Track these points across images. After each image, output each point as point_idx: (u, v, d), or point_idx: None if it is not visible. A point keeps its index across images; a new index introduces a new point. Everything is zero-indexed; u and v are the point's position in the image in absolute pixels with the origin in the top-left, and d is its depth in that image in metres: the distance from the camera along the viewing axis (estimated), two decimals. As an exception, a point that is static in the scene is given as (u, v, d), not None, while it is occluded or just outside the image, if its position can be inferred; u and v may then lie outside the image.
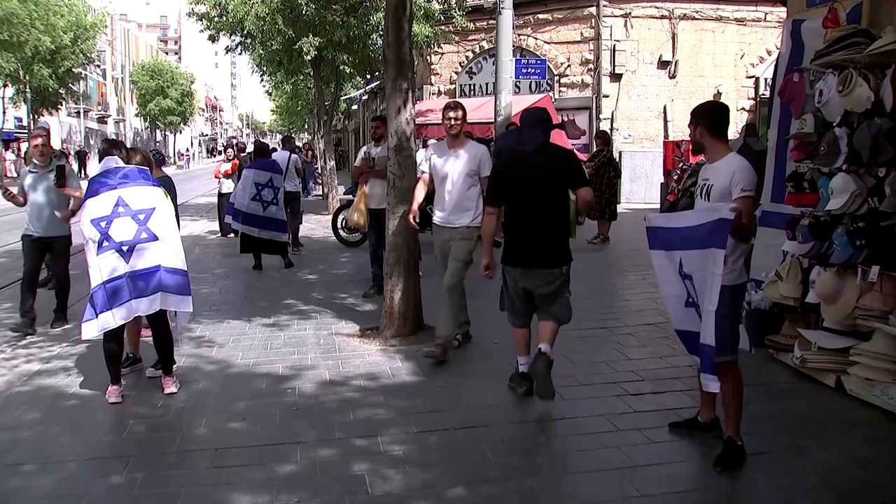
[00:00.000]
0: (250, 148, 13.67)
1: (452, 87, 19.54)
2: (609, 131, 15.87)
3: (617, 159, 14.13)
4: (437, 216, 5.29)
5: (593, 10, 17.43)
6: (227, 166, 12.37)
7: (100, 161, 4.60)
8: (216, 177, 12.79)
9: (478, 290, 8.05)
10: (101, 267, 4.20)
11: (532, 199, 4.15)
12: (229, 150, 13.28)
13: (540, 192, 4.15)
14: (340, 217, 10.91)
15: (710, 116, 3.53)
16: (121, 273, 4.21)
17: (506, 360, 5.14)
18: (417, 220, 5.38)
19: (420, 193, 5.36)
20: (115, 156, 4.55)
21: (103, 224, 4.23)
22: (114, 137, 39.58)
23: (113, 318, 4.18)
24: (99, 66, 47.50)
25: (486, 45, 18.40)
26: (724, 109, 3.61)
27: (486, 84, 17.99)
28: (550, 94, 17.51)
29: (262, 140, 13.47)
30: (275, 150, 12.07)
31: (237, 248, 9.29)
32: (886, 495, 3.15)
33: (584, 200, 4.20)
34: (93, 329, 4.18)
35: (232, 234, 12.11)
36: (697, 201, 3.68)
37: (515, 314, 4.42)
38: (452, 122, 5.13)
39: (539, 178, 4.13)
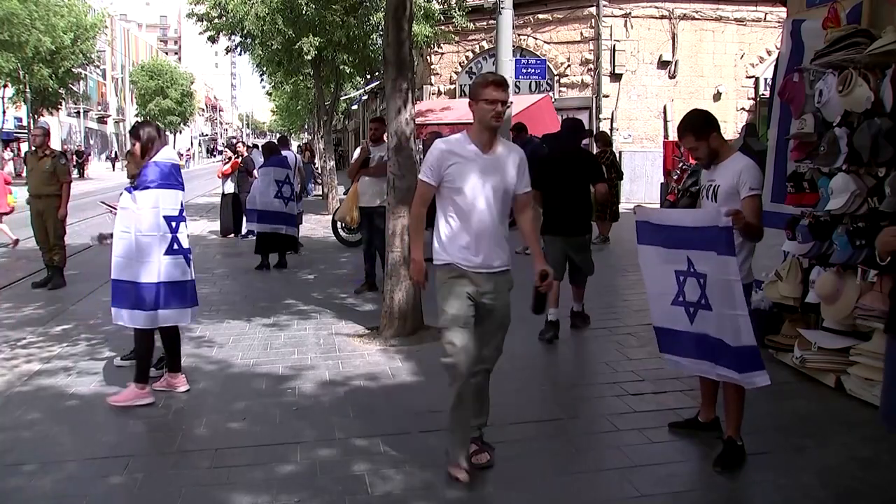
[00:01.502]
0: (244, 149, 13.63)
1: (452, 87, 19.54)
2: (609, 131, 15.88)
3: (617, 159, 14.14)
4: (459, 257, 3.29)
5: (593, 10, 17.44)
6: (226, 167, 12.39)
7: (148, 144, 4.32)
8: (219, 177, 12.78)
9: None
10: (166, 267, 4.25)
11: (565, 187, 5.62)
12: (227, 150, 13.28)
13: (571, 183, 5.65)
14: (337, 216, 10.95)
15: (712, 122, 3.54)
16: (186, 279, 4.36)
17: (505, 360, 5.13)
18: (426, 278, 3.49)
19: (421, 225, 3.51)
20: (169, 146, 4.49)
21: (173, 224, 4.29)
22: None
23: (160, 319, 4.28)
24: (99, 66, 47.51)
25: (486, 45, 18.41)
26: (708, 113, 3.65)
27: (486, 84, 17.97)
28: (550, 94, 17.53)
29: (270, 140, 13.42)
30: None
31: (237, 248, 9.30)
32: (886, 495, 3.15)
33: (601, 192, 5.87)
34: (138, 320, 4.24)
35: (232, 235, 12.13)
36: (703, 202, 3.67)
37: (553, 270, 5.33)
38: (499, 108, 3.18)
39: (570, 173, 5.67)
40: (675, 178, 10.18)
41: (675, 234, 3.44)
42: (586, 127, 17.82)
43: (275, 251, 9.09)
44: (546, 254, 5.30)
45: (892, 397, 2.81)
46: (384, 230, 6.06)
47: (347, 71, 16.55)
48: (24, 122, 32.71)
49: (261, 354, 5.32)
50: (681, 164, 10.81)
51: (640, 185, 17.26)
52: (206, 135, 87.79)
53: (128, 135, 4.44)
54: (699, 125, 3.51)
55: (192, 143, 72.08)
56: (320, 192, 18.63)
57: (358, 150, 7.87)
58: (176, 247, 4.27)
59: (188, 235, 4.47)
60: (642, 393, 4.39)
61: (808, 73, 4.74)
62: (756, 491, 3.23)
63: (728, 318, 3.20)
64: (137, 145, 4.35)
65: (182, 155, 57.16)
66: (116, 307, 4.26)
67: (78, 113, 46.11)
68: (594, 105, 17.68)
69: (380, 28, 13.35)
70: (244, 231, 11.58)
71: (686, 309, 3.42)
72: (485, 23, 17.54)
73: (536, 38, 18.21)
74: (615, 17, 17.40)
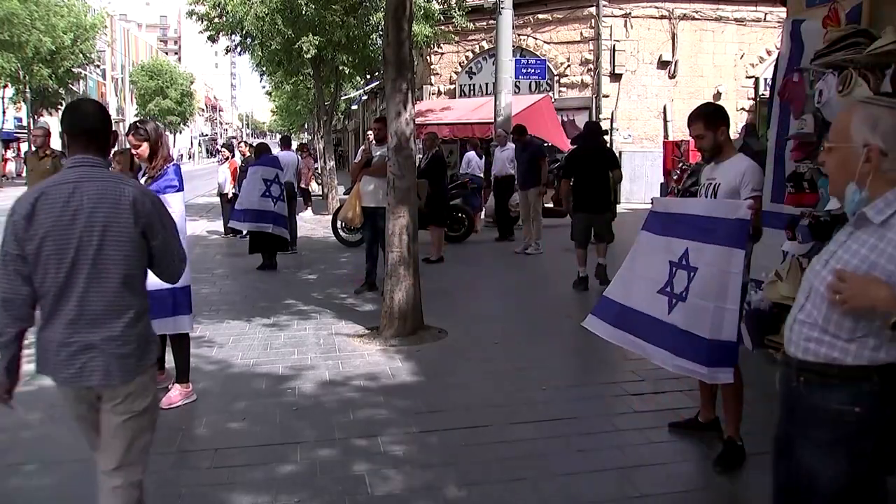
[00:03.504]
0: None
1: (452, 87, 19.54)
2: (609, 131, 15.87)
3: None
4: None
5: (593, 10, 17.43)
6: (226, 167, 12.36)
7: (158, 144, 4.16)
8: (233, 177, 12.60)
9: (480, 291, 8.03)
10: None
11: (590, 175, 7.45)
12: (224, 150, 13.22)
13: (594, 172, 7.47)
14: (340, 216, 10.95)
15: (724, 117, 3.57)
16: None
17: (506, 360, 5.14)
18: None
19: None
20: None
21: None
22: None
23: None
24: (99, 66, 47.51)
25: (486, 45, 18.40)
26: (723, 108, 3.70)
27: (486, 84, 18.00)
28: (550, 94, 17.54)
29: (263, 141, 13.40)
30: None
31: (237, 248, 9.28)
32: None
33: (617, 175, 7.88)
34: (189, 324, 4.34)
35: (231, 234, 12.11)
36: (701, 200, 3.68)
37: (580, 240, 7.54)
38: None
39: (594, 164, 7.51)
40: (674, 178, 10.19)
41: (683, 223, 3.44)
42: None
43: (265, 251, 9.03)
44: (574, 226, 7.62)
45: None
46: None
47: (347, 71, 16.55)
48: (24, 123, 32.71)
49: (261, 354, 5.32)
50: (680, 164, 10.83)
51: (640, 185, 17.25)
52: (206, 135, 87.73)
53: (127, 135, 4.16)
54: (712, 114, 3.57)
55: (192, 143, 72.08)
56: (320, 192, 18.64)
57: (360, 153, 7.89)
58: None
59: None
60: (642, 393, 4.39)
61: (808, 73, 4.75)
62: (756, 491, 3.23)
63: (713, 311, 3.15)
64: (145, 145, 4.09)
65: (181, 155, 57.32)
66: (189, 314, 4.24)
67: (78, 113, 46.12)
68: (594, 105, 17.67)
69: (380, 28, 13.35)
70: (244, 232, 11.59)
71: (669, 300, 3.42)
72: (485, 23, 17.53)
73: (536, 38, 18.20)
74: (615, 17, 17.40)
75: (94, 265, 2.20)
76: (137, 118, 52.00)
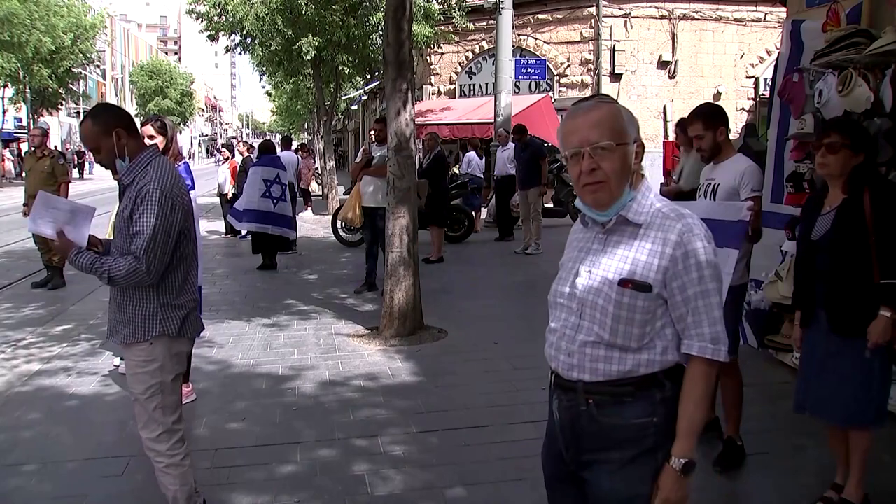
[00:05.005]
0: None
1: (452, 87, 19.54)
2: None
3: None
4: None
5: (593, 10, 17.43)
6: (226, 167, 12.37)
7: (172, 141, 4.12)
8: (233, 177, 12.61)
9: (480, 291, 8.04)
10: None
11: None
12: (224, 150, 13.22)
13: None
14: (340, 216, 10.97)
15: (723, 116, 3.58)
16: None
17: (506, 360, 5.14)
18: None
19: None
20: None
21: None
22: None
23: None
24: (98, 66, 47.52)
25: (486, 45, 18.41)
26: (722, 108, 3.70)
27: (486, 84, 18.00)
28: (550, 94, 17.54)
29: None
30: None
31: (237, 248, 9.28)
32: (886, 495, 3.15)
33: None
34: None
35: (230, 234, 12.13)
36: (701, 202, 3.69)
37: None
38: None
39: None
40: (674, 178, 10.19)
41: None
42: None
43: (265, 251, 9.02)
44: None
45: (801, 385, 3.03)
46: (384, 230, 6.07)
47: (347, 71, 16.57)
48: (24, 123, 32.73)
49: (261, 354, 5.32)
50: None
51: (640, 185, 17.25)
52: (206, 135, 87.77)
53: (143, 126, 4.00)
54: (711, 114, 3.57)
55: (191, 143, 72.07)
56: (320, 193, 18.65)
57: (360, 154, 7.92)
58: None
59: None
60: (642, 393, 4.39)
61: (807, 73, 4.75)
62: (756, 491, 3.23)
63: None
64: (161, 139, 4.00)
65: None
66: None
67: (78, 113, 46.07)
68: (594, 105, 17.66)
69: (380, 28, 13.36)
70: (244, 232, 11.62)
71: None
72: (485, 23, 17.54)
73: (536, 38, 18.20)
74: (615, 17, 17.40)
75: (196, 237, 2.75)
76: (139, 118, 52.23)
